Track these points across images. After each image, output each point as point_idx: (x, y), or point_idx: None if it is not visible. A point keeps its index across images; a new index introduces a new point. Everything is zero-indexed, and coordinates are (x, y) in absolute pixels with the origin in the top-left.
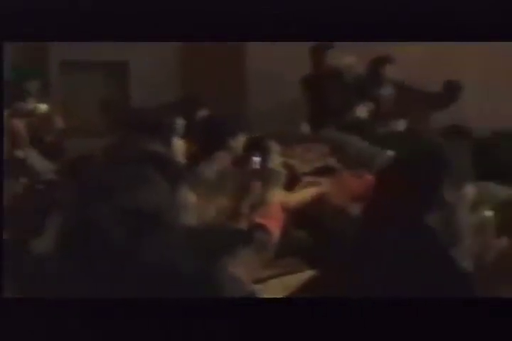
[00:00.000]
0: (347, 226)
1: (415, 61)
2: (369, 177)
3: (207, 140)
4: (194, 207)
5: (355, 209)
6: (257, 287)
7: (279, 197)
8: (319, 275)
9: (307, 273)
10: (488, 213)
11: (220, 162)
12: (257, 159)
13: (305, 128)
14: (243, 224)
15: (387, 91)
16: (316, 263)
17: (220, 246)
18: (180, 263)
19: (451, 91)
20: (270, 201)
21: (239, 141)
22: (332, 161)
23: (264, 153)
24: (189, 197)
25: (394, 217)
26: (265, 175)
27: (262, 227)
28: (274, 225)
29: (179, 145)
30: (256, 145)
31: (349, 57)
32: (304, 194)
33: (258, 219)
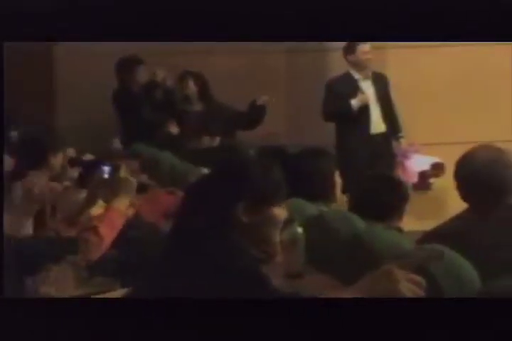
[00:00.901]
0: (159, 244)
1: (226, 76)
2: (182, 194)
3: (25, 158)
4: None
5: (168, 227)
6: None
7: (124, 206)
8: (131, 294)
9: (119, 292)
10: (299, 229)
11: (33, 180)
12: (106, 168)
13: (117, 144)
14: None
15: (197, 107)
16: (128, 281)
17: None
18: None
19: (256, 111)
20: (113, 208)
21: (58, 158)
22: (144, 178)
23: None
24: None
25: (200, 235)
26: (115, 184)
27: (93, 229)
28: (108, 230)
29: None
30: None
31: (159, 72)
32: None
33: (94, 223)
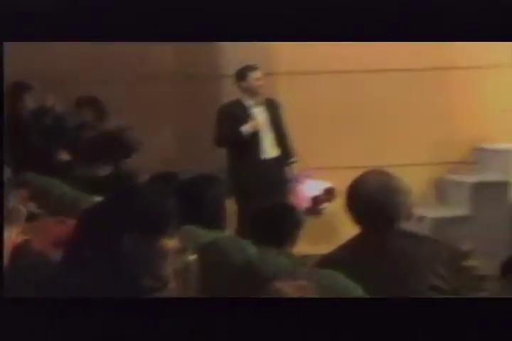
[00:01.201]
0: (48, 273)
1: (120, 102)
2: (72, 223)
3: None
4: None
5: (57, 257)
6: None
7: (12, 235)
8: None
9: None
10: (192, 257)
11: None
12: None
13: (6, 172)
14: None
15: (90, 134)
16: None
17: None
18: None
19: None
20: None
21: None
22: (33, 207)
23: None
24: None
25: (90, 264)
26: (4, 213)
27: None
28: None
29: None
30: None
31: (49, 98)
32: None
33: None
